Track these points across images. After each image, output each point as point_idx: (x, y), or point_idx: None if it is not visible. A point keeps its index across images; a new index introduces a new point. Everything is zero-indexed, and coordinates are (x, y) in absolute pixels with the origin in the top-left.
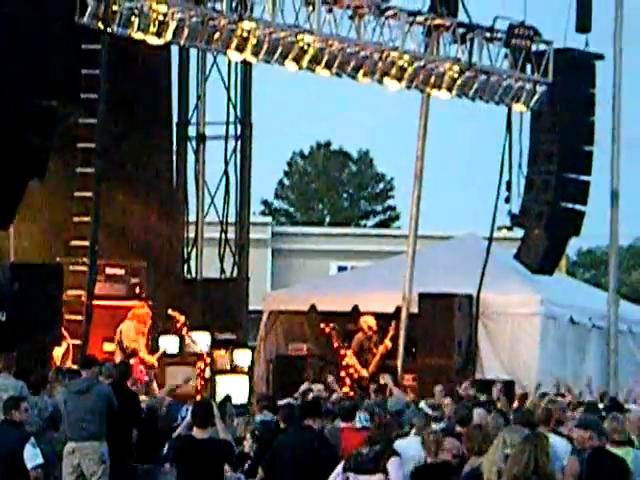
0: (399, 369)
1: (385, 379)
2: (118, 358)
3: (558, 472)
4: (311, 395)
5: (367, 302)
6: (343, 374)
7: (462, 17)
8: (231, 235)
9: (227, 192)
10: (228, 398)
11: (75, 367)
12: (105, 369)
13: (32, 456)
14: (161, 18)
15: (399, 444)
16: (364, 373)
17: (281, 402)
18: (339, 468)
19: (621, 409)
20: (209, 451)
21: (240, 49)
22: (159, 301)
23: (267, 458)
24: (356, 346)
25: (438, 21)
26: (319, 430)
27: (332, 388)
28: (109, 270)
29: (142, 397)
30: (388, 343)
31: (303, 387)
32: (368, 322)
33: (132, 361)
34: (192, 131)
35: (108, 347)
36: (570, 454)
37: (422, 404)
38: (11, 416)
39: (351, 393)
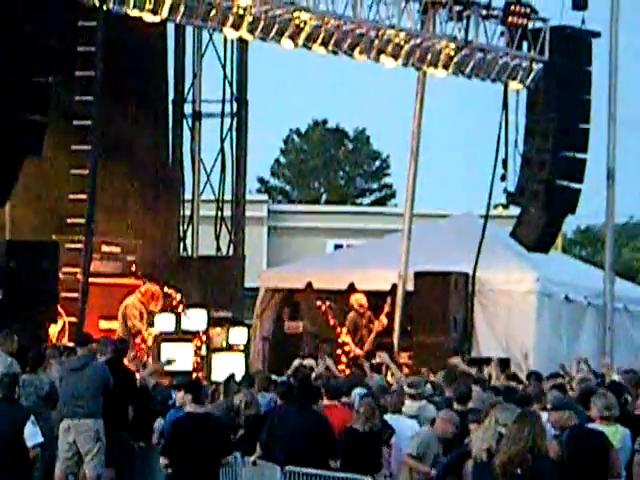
0: (395, 347)
1: (382, 357)
2: (120, 334)
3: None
4: (309, 373)
5: (363, 280)
6: (339, 352)
7: None
8: (227, 213)
9: (223, 170)
10: (232, 376)
11: (71, 345)
12: (102, 346)
13: (32, 434)
14: None
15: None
16: (358, 352)
17: (277, 379)
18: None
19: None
20: (205, 425)
21: (236, 26)
22: (155, 279)
23: (264, 435)
24: (350, 325)
25: None
26: (316, 409)
27: (332, 370)
28: (105, 248)
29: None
30: (384, 320)
31: (295, 363)
32: (359, 300)
33: (137, 340)
34: (188, 109)
35: (104, 324)
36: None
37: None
38: (11, 393)
39: (347, 371)
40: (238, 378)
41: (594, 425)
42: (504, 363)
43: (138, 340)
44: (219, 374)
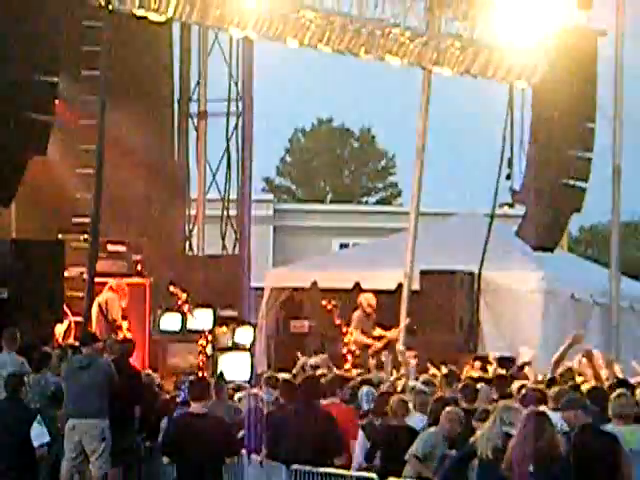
0: (400, 346)
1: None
2: (103, 330)
3: None
4: (309, 370)
5: (369, 279)
6: (345, 351)
7: None
8: (233, 212)
9: (229, 169)
10: (221, 374)
11: (77, 344)
12: (108, 346)
13: (39, 434)
14: None
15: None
16: (367, 341)
17: (281, 377)
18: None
19: (627, 386)
20: (206, 424)
21: (241, 26)
22: (161, 278)
23: (269, 435)
24: (356, 324)
25: None
26: (320, 406)
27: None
28: (111, 247)
29: None
30: (394, 333)
31: (300, 361)
32: (368, 300)
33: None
34: (193, 108)
35: None
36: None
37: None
38: (17, 393)
39: (353, 370)
40: (242, 377)
41: (611, 425)
42: (508, 361)
43: (120, 335)
44: (225, 373)
